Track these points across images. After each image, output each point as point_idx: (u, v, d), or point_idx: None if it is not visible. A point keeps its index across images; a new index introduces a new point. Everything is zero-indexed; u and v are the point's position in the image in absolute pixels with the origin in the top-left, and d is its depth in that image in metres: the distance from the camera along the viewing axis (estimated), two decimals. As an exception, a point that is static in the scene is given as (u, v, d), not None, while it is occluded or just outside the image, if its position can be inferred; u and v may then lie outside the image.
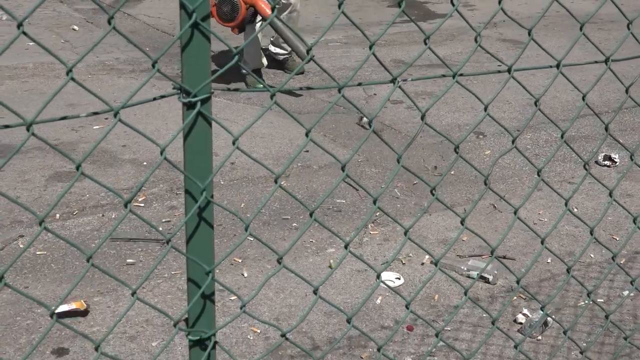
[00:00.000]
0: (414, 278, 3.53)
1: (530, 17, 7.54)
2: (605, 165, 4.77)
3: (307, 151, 4.74)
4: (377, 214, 3.99)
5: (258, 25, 5.28)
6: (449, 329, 3.18)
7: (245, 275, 3.51)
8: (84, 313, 3.15)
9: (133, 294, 1.27)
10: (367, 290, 3.40)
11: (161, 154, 1.26)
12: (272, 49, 6.21)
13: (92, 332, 3.07)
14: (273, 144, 4.94)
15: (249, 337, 3.10)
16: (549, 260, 3.67)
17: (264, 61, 6.13)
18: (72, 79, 1.18)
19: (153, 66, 1.25)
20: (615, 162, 4.77)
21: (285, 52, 6.15)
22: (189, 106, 1.31)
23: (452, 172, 4.58)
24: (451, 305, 3.34)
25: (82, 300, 3.16)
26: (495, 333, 3.08)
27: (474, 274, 3.50)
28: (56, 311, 2.93)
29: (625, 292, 3.46)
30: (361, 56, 6.66)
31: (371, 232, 3.90)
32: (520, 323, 3.22)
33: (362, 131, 5.15)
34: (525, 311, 3.26)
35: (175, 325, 1.32)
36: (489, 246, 1.79)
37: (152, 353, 2.97)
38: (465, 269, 3.57)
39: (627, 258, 3.75)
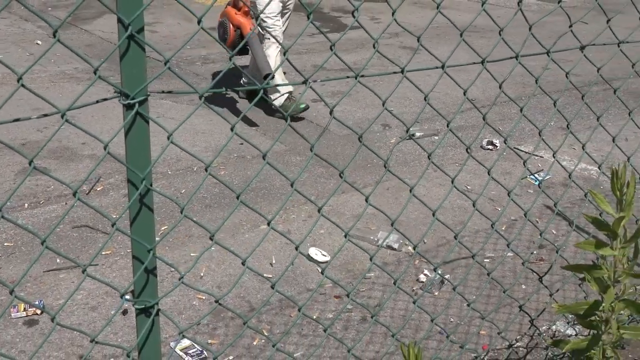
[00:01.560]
0: (334, 247, 3.54)
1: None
2: (488, 149, 4.85)
3: (242, 144, 4.69)
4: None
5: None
6: (363, 289, 3.19)
7: (190, 252, 3.46)
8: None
9: (83, 271, 1.23)
10: (295, 259, 3.38)
11: (104, 149, 1.23)
12: (272, 96, 5.32)
13: (59, 305, 2.98)
14: (212, 138, 4.87)
15: (194, 303, 3.05)
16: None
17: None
18: (23, 85, 1.14)
19: (95, 73, 1.21)
20: (497, 146, 4.85)
21: (281, 93, 5.29)
22: (128, 107, 1.27)
23: (374, 159, 4.60)
24: (365, 270, 3.36)
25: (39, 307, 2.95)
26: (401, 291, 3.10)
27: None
28: (14, 317, 2.79)
29: (507, 253, 3.52)
30: (286, 62, 6.61)
31: (297, 210, 3.89)
32: (422, 282, 3.25)
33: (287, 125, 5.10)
34: (426, 272, 3.29)
35: (122, 297, 1.28)
36: (390, 219, 1.79)
37: (112, 320, 2.91)
38: (374, 239, 3.59)
39: (507, 225, 3.83)
